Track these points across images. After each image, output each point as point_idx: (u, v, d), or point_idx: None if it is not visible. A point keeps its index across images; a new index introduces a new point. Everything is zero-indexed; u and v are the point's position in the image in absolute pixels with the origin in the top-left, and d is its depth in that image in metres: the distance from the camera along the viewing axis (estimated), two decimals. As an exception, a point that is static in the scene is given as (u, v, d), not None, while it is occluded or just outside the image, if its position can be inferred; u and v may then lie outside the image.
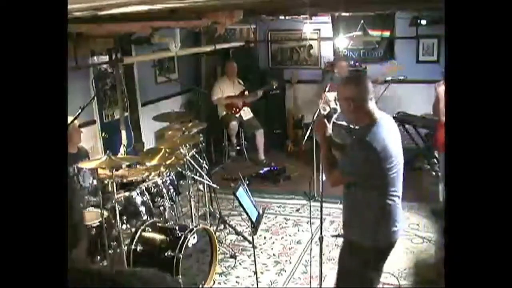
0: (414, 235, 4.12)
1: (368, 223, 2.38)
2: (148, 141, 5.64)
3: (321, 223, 2.81)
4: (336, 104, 5.84)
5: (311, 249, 3.21)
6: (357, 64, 6.43)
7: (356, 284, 2.47)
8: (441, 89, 4.14)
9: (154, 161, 3.73)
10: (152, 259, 3.25)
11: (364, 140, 2.26)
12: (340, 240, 4.09)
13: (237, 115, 6.27)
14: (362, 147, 2.29)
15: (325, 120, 2.55)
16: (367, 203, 2.38)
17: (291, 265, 3.84)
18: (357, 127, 2.48)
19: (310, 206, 3.46)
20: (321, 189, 2.81)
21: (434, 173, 5.33)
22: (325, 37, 6.72)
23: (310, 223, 3.21)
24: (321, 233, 2.82)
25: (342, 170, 2.39)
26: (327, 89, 5.47)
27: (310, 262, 3.26)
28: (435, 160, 5.42)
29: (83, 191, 3.52)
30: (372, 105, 2.35)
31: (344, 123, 2.97)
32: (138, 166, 3.94)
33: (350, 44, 6.31)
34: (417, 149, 5.64)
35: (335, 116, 2.62)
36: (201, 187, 4.34)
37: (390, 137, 2.32)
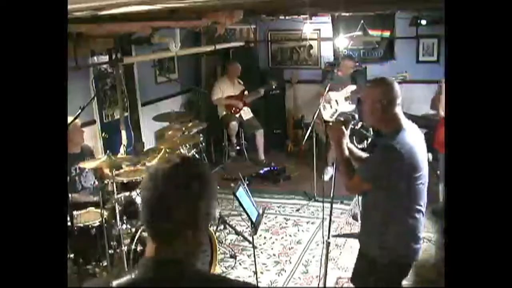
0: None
1: (389, 238, 2.26)
2: (148, 141, 5.64)
3: (329, 227, 2.68)
4: (337, 104, 5.85)
5: (323, 247, 3.05)
6: (357, 64, 6.43)
7: None
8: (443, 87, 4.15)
9: (154, 161, 3.73)
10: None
11: (390, 144, 2.14)
12: (340, 240, 4.12)
13: (237, 115, 6.27)
14: (387, 151, 2.16)
15: (343, 127, 2.41)
16: (388, 216, 2.24)
17: (291, 265, 3.84)
18: (379, 133, 2.41)
19: (323, 206, 3.39)
20: (332, 192, 2.64)
21: (434, 173, 5.32)
22: (325, 37, 6.71)
23: (322, 223, 3.12)
24: (328, 237, 2.68)
25: (363, 175, 2.25)
26: (327, 89, 5.47)
27: (321, 262, 3.20)
28: (434, 160, 5.41)
29: (84, 191, 3.52)
30: (399, 110, 2.24)
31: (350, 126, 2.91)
32: (138, 166, 3.93)
33: (350, 44, 6.30)
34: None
35: (352, 122, 2.49)
36: (201, 187, 4.33)
37: (417, 145, 2.20)
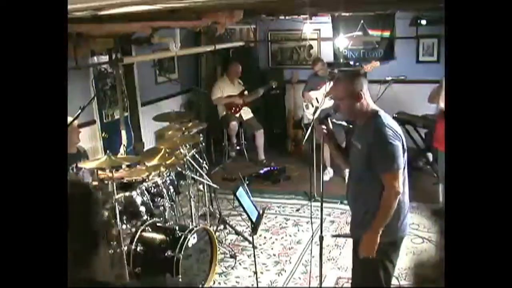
0: (414, 235, 4.11)
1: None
2: (148, 141, 5.64)
3: (321, 223, 2.80)
4: (318, 102, 5.98)
5: (310, 243, 3.14)
6: (357, 64, 6.42)
7: (373, 279, 2.43)
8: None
9: (154, 161, 3.73)
10: (152, 259, 3.25)
11: (385, 128, 2.26)
12: (340, 240, 4.11)
13: (237, 115, 6.27)
14: (386, 134, 2.26)
15: (321, 126, 2.57)
16: (380, 195, 2.32)
17: (291, 265, 3.84)
18: (359, 124, 2.48)
19: (311, 206, 3.46)
20: (321, 189, 2.79)
21: (434, 173, 5.33)
22: (325, 37, 6.72)
23: (311, 223, 3.19)
24: (321, 232, 2.80)
25: (392, 168, 2.27)
26: (327, 87, 5.48)
27: (311, 262, 3.25)
28: (434, 160, 5.42)
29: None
30: (368, 98, 2.39)
31: (344, 123, 2.98)
32: (138, 166, 3.93)
33: (350, 44, 6.31)
34: (417, 149, 5.64)
35: (330, 117, 2.63)
36: (201, 187, 4.34)
37: (395, 122, 2.38)
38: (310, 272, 3.28)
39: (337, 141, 2.68)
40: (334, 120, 2.67)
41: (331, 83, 5.51)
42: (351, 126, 2.65)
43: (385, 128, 2.28)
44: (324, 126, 2.56)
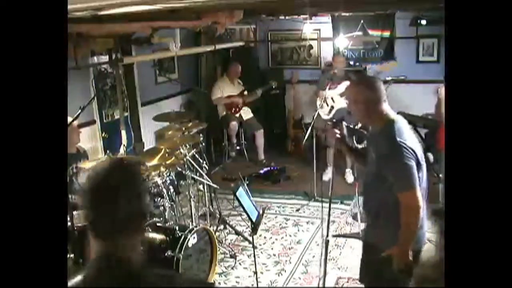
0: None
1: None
2: (148, 141, 5.64)
3: (328, 225, 2.72)
4: (334, 102, 5.93)
5: (322, 246, 3.07)
6: (357, 64, 6.42)
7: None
8: (443, 91, 4.16)
9: (154, 161, 3.73)
10: (152, 259, 3.25)
11: (400, 147, 2.13)
12: (340, 240, 4.11)
13: (237, 115, 6.27)
14: (398, 148, 2.15)
15: (333, 129, 2.52)
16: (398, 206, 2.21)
17: (291, 265, 3.84)
18: (372, 129, 2.44)
19: (322, 206, 3.44)
20: (330, 191, 2.73)
21: (434, 173, 5.32)
22: (325, 37, 6.71)
23: (322, 223, 3.12)
24: (327, 235, 2.73)
25: (408, 187, 2.15)
26: (327, 87, 5.48)
27: (320, 262, 3.21)
28: (435, 160, 5.41)
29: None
30: (386, 105, 2.29)
31: (350, 125, 2.96)
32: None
33: (350, 44, 6.30)
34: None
35: (344, 121, 2.61)
36: (201, 187, 4.34)
37: (412, 134, 2.28)
38: (320, 273, 3.24)
39: (349, 144, 2.61)
40: (335, 120, 2.65)
41: (342, 83, 5.49)
42: (351, 126, 2.63)
43: (399, 147, 2.14)
44: (337, 130, 2.49)
